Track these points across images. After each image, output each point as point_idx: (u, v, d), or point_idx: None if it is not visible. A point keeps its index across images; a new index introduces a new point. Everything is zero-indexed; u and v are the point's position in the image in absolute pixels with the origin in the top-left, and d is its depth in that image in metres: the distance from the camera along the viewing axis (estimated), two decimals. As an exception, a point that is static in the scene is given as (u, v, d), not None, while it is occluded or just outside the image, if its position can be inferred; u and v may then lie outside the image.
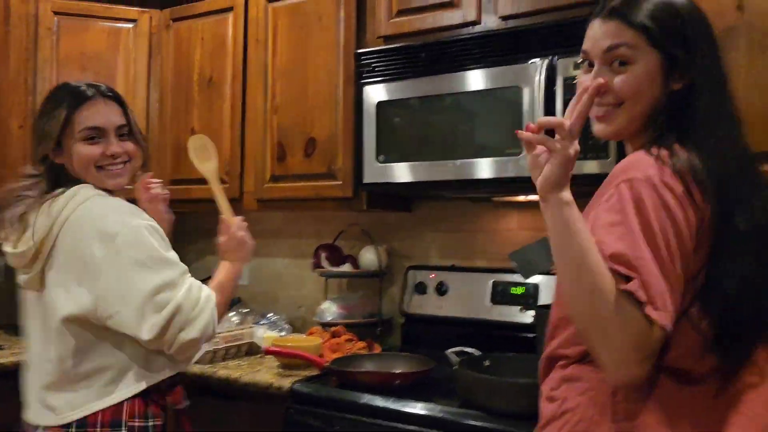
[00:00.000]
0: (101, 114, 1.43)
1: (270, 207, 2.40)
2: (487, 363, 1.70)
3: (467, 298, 2.19)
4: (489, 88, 1.82)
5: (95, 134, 1.42)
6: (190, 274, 1.41)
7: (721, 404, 0.99)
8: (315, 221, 2.64)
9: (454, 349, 1.72)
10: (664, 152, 0.98)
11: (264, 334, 2.22)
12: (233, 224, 1.57)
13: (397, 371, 1.75)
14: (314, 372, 1.88)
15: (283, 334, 2.34)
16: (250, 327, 2.24)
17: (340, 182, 2.17)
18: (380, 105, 2.00)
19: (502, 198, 2.18)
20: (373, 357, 1.95)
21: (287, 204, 2.36)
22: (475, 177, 1.83)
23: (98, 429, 1.34)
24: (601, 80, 1.01)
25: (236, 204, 2.41)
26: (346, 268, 2.35)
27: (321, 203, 2.26)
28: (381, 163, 1.99)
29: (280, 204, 2.37)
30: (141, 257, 1.33)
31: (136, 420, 1.36)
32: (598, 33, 1.06)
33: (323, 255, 2.35)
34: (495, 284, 2.16)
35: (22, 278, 1.44)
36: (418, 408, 1.57)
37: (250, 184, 2.38)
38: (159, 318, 1.31)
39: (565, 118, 0.99)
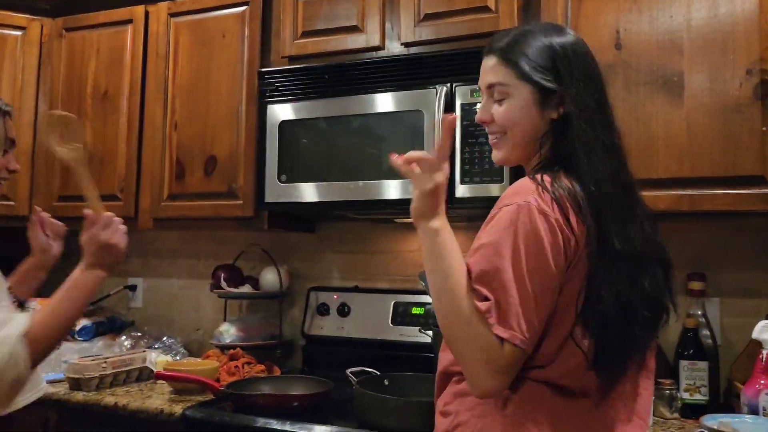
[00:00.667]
0: None
1: (167, 226, 2.32)
2: (386, 382, 1.71)
3: (369, 319, 2.20)
4: (392, 110, 1.86)
5: None
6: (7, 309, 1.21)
7: (600, 414, 1.05)
8: (214, 241, 2.57)
9: (354, 369, 1.72)
10: (547, 179, 1.05)
11: (157, 359, 2.12)
12: (100, 220, 1.31)
13: (295, 393, 1.73)
14: (209, 397, 1.81)
15: (178, 358, 2.25)
16: (143, 351, 2.14)
17: (241, 201, 2.13)
18: (283, 124, 1.99)
19: (404, 219, 2.22)
20: (272, 380, 1.91)
21: (185, 223, 2.29)
22: (381, 198, 1.85)
23: None
24: (452, 116, 1.09)
25: (131, 223, 2.31)
26: (246, 289, 2.30)
27: (221, 223, 2.21)
28: (283, 182, 1.98)
29: (178, 223, 2.29)
30: None
31: None
32: (484, 69, 1.17)
33: (222, 276, 2.29)
34: (396, 305, 2.18)
35: None
36: (315, 430, 1.55)
37: (146, 203, 2.30)
38: None
39: (433, 150, 1.08)
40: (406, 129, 1.84)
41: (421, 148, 1.78)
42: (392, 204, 1.85)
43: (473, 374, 1.00)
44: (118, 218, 1.36)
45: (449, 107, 1.77)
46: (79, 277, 1.29)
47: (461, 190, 1.75)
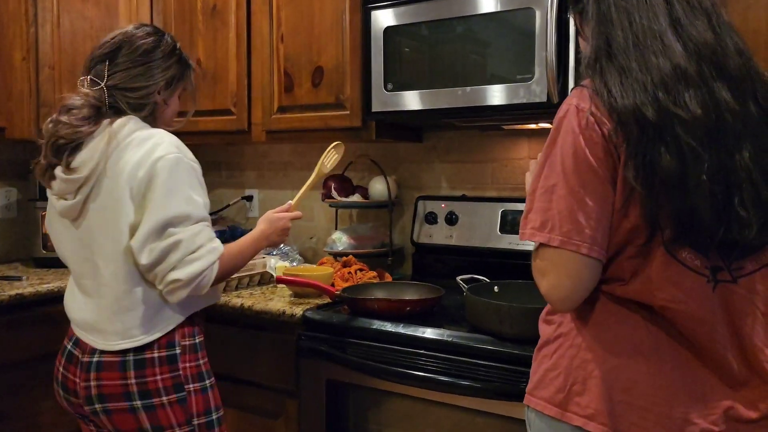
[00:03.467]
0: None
1: (278, 139, 2.40)
2: (496, 289, 1.73)
3: (477, 228, 2.20)
4: (500, 10, 1.77)
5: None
6: (211, 229, 1.46)
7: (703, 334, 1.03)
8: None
9: (464, 277, 1.75)
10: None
11: (276, 264, 2.26)
12: (292, 213, 1.71)
13: (408, 298, 1.79)
14: (326, 300, 1.92)
15: (294, 264, 2.38)
16: (263, 257, 2.28)
17: (348, 112, 2.15)
18: (387, 31, 1.96)
19: (512, 126, 2.16)
20: (384, 285, 1.97)
21: (295, 135, 2.35)
22: (486, 104, 1.80)
23: (155, 351, 1.44)
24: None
25: (245, 136, 2.41)
26: (356, 198, 2.37)
27: (329, 134, 2.24)
28: (389, 91, 1.97)
29: (289, 135, 2.36)
30: (177, 187, 1.40)
31: (187, 339, 1.50)
32: None
33: (333, 186, 2.36)
34: (504, 213, 2.17)
35: (61, 205, 1.46)
36: (427, 333, 1.61)
37: (258, 116, 2.37)
38: (157, 246, 1.38)
39: None
40: (515, 30, 1.75)
41: (531, 52, 1.70)
42: (497, 110, 1.80)
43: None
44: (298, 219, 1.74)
45: (563, 5, 1.66)
46: (258, 237, 1.62)
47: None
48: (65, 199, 1.45)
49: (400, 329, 1.65)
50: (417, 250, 2.35)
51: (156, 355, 1.44)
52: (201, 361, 1.52)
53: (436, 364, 1.57)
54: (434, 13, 1.88)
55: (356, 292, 1.86)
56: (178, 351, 1.47)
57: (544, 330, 1.14)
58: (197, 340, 1.53)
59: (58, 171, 1.43)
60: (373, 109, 2.01)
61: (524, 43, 1.73)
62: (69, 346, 1.53)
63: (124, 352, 1.43)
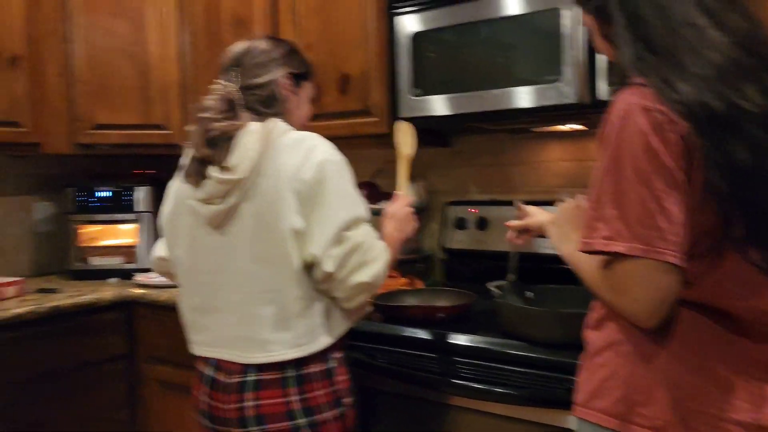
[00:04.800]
0: None
1: (306, 147, 2.40)
2: (529, 294, 1.71)
3: (508, 232, 2.18)
4: (526, 12, 1.76)
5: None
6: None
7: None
8: (352, 159, 2.61)
9: (495, 283, 1.73)
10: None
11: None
12: (406, 199, 1.69)
13: (440, 305, 1.78)
14: (357, 308, 1.92)
15: (325, 272, 2.38)
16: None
17: (376, 118, 2.15)
18: (413, 36, 1.96)
19: (541, 128, 2.14)
20: (416, 292, 1.97)
21: (323, 143, 2.35)
22: (515, 107, 1.79)
23: (315, 365, 1.39)
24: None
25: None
26: (384, 205, 2.36)
27: (357, 141, 2.24)
28: (416, 96, 1.97)
29: (317, 143, 2.36)
30: (346, 189, 1.41)
31: (338, 352, 1.46)
32: None
33: (362, 193, 2.36)
34: (536, 217, 2.14)
35: (209, 210, 1.39)
36: (460, 339, 1.60)
37: (286, 125, 2.38)
38: (340, 250, 1.34)
39: None
40: (541, 31, 1.74)
41: (559, 52, 1.69)
42: (527, 112, 1.78)
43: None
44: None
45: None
46: (392, 233, 1.60)
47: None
48: (212, 204, 1.39)
49: (433, 336, 1.65)
50: (447, 255, 2.34)
51: (317, 369, 1.39)
52: (348, 375, 1.48)
53: (469, 371, 1.56)
54: (459, 17, 1.87)
55: (388, 299, 1.86)
56: (334, 365, 1.43)
57: (594, 338, 1.09)
58: (344, 354, 1.48)
59: (213, 171, 1.37)
60: (400, 115, 2.01)
61: (551, 44, 1.71)
62: (208, 372, 1.43)
63: (283, 367, 1.36)
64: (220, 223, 1.40)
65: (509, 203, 2.23)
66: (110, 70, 2.57)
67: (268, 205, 1.36)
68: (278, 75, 1.50)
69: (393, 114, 2.04)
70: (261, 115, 1.45)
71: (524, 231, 1.58)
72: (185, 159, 1.45)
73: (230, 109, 1.42)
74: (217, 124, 1.38)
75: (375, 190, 2.41)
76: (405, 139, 1.77)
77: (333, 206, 1.36)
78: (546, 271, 2.02)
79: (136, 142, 2.61)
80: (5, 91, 2.35)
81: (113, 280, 2.59)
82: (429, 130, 2.26)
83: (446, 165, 2.43)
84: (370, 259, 1.38)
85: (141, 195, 2.65)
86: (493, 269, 2.12)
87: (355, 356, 1.72)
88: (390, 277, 2.14)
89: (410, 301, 1.89)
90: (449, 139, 2.41)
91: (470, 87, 1.86)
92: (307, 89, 1.61)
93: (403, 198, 1.69)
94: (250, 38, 1.57)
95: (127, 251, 2.69)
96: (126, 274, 2.59)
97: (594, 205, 0.98)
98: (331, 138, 2.28)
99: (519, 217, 1.58)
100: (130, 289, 2.39)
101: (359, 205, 1.42)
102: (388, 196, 2.41)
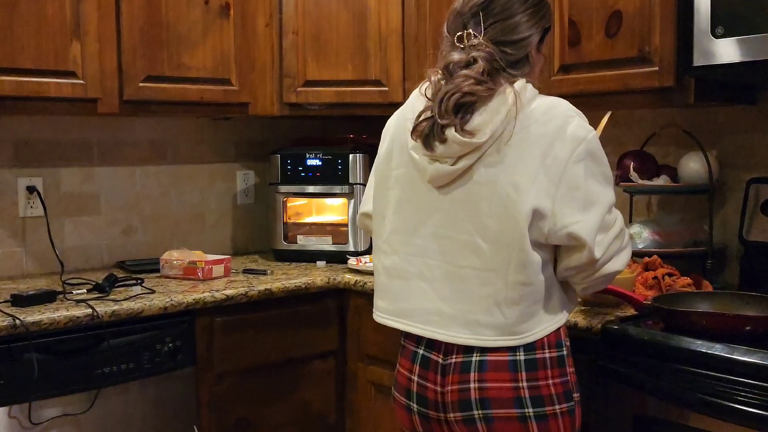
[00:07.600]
0: None
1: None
2: None
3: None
4: None
5: None
6: None
7: None
8: (619, 122, 2.58)
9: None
10: None
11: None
12: None
13: (747, 314, 1.70)
14: (627, 311, 1.91)
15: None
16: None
17: (657, 68, 2.08)
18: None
19: None
20: (707, 296, 1.91)
21: (580, 100, 2.32)
22: None
23: (546, 350, 1.53)
24: None
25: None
26: (662, 182, 2.30)
27: (627, 97, 2.20)
28: (719, 38, 1.87)
29: (571, 101, 2.35)
30: (603, 170, 1.53)
31: (568, 339, 1.60)
32: None
33: (631, 165, 2.31)
34: None
35: (435, 169, 1.51)
36: (778, 361, 1.52)
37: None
38: (606, 238, 1.50)
39: None
40: None
41: None
42: None
43: None
44: None
45: None
46: None
47: None
48: (441, 162, 1.50)
49: (737, 355, 1.58)
50: (747, 250, 2.23)
51: (547, 355, 1.51)
52: (574, 368, 1.59)
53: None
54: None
55: (672, 303, 1.81)
56: (564, 352, 1.55)
57: None
58: (569, 343, 1.60)
59: (452, 133, 1.45)
60: (695, 63, 1.92)
61: None
62: (419, 350, 1.59)
63: (513, 349, 1.49)
64: (446, 183, 1.53)
65: None
66: (323, 18, 2.76)
67: (508, 178, 1.46)
68: (531, 33, 1.57)
69: (683, 62, 1.97)
70: (511, 77, 1.53)
71: None
72: (411, 109, 1.58)
73: (490, 70, 1.50)
74: (477, 87, 1.47)
75: (649, 163, 2.35)
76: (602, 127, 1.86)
77: (599, 190, 1.50)
78: None
79: (349, 101, 2.80)
80: (215, 44, 2.63)
81: (321, 263, 2.81)
82: (729, 84, 2.14)
83: (750, 129, 2.30)
84: (625, 245, 1.56)
85: (356, 164, 2.83)
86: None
87: (626, 371, 1.71)
88: (668, 275, 2.10)
89: (702, 307, 1.83)
90: (755, 93, 2.27)
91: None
92: (547, 43, 1.70)
93: None
94: None
95: (334, 230, 2.90)
96: (336, 257, 2.80)
97: None
98: (594, 94, 2.31)
99: None
100: (343, 274, 2.58)
101: (612, 186, 1.56)
102: (666, 169, 2.35)
